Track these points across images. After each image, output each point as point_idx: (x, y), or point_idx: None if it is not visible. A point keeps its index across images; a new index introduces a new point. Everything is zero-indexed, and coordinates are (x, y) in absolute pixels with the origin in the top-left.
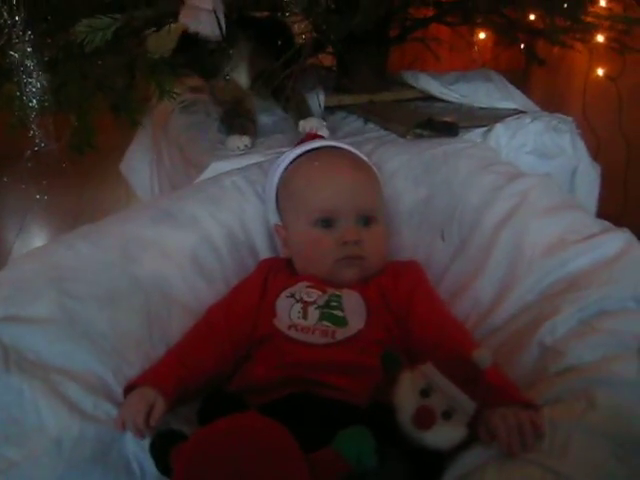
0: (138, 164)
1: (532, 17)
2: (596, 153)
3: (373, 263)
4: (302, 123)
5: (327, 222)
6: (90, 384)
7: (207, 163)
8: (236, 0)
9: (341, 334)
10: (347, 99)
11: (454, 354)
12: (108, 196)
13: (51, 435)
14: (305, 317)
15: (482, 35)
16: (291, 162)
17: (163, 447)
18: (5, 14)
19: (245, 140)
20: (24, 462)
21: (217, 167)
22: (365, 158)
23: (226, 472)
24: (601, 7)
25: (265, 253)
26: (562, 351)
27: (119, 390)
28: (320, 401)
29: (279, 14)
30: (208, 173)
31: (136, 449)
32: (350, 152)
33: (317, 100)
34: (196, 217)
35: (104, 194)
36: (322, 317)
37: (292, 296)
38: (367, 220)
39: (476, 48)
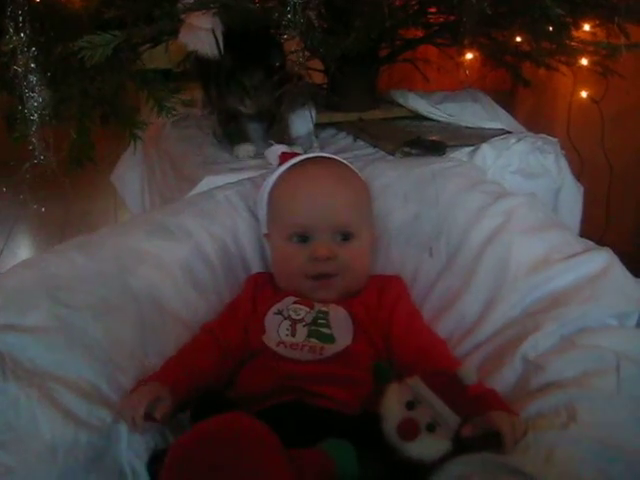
0: (129, 176)
1: (518, 39)
2: (579, 173)
3: (349, 280)
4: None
5: (302, 237)
6: (84, 391)
7: (200, 177)
8: (232, 20)
9: (329, 351)
10: (337, 116)
11: (440, 370)
12: (96, 207)
13: (46, 441)
14: (293, 335)
15: (469, 56)
16: (284, 171)
17: (160, 466)
18: (11, 30)
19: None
20: (19, 468)
21: (211, 181)
22: (357, 171)
23: (201, 470)
24: (585, 32)
25: (256, 265)
26: (544, 366)
27: (113, 397)
28: (311, 409)
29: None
30: (202, 187)
31: (130, 455)
32: (339, 164)
33: (309, 116)
34: (190, 230)
35: (92, 205)
36: (310, 334)
37: (280, 313)
38: (345, 236)
39: (467, 71)
